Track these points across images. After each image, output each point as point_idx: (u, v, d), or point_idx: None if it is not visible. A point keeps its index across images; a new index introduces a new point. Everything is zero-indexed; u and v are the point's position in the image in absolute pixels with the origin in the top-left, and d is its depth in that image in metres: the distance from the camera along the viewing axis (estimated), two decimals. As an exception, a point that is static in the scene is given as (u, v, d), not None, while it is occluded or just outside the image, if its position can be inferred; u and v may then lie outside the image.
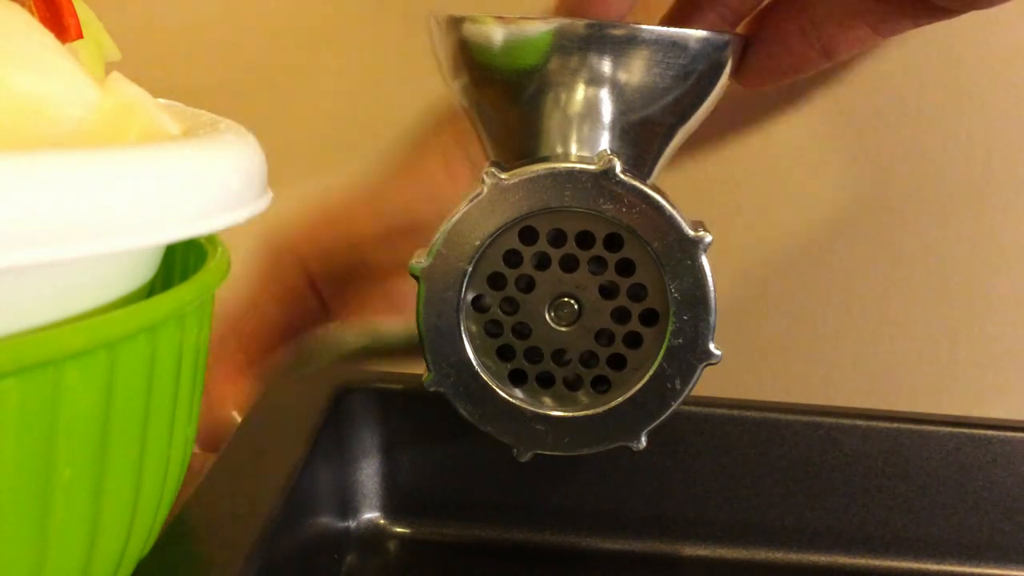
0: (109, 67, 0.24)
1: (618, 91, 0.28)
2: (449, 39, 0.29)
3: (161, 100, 0.23)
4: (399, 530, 0.34)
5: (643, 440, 0.29)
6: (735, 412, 0.34)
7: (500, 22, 0.28)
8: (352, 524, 0.34)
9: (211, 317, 0.23)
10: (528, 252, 0.29)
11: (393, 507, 0.34)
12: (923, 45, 0.43)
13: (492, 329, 0.29)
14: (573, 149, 0.29)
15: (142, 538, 0.21)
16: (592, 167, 0.28)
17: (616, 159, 0.28)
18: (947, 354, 0.46)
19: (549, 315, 0.29)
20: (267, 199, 0.21)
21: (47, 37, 0.20)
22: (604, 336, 0.29)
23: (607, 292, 0.29)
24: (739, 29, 0.32)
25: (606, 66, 0.28)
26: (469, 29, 0.28)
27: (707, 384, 0.30)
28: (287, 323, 0.39)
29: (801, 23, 0.30)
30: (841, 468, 0.34)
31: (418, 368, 0.30)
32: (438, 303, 0.29)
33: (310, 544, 0.30)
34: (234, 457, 0.29)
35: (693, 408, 0.34)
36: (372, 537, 0.34)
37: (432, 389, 0.29)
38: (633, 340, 0.29)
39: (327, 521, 0.32)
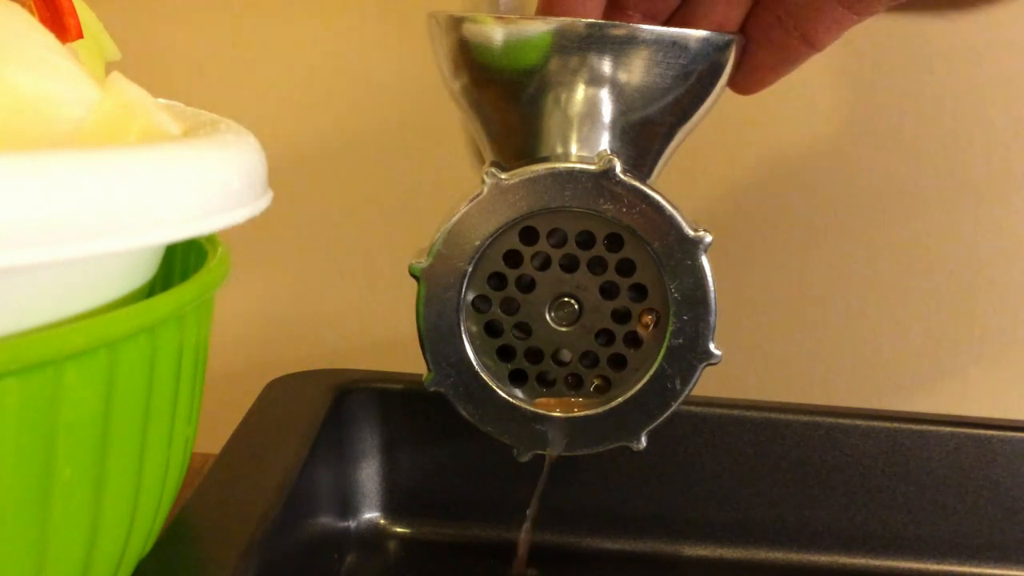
0: (109, 67, 0.24)
1: (618, 91, 0.28)
2: (449, 39, 0.29)
3: (161, 100, 0.23)
4: (399, 530, 0.34)
5: (643, 440, 0.29)
6: (735, 412, 0.34)
7: (500, 22, 0.28)
8: (352, 524, 0.34)
9: (211, 317, 0.23)
10: (528, 252, 0.29)
11: (393, 507, 0.34)
12: (922, 43, 0.43)
13: (492, 329, 0.29)
14: (573, 149, 0.29)
15: (142, 538, 0.21)
16: (592, 167, 0.28)
17: (616, 159, 0.28)
18: (947, 354, 0.46)
19: (549, 315, 0.29)
20: (267, 199, 0.21)
21: (47, 37, 0.20)
22: (604, 336, 0.29)
23: (607, 292, 0.29)
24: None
25: (606, 66, 0.28)
26: (469, 29, 0.28)
27: (707, 384, 0.30)
28: None
29: (777, 13, 0.30)
30: (841, 468, 0.34)
31: (419, 368, 0.30)
32: (438, 303, 0.29)
33: (310, 544, 0.30)
34: (234, 457, 0.29)
35: (693, 408, 0.34)
36: (372, 537, 0.34)
37: (432, 389, 0.29)
38: (633, 340, 0.29)
39: (327, 521, 0.32)
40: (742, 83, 0.31)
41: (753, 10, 0.30)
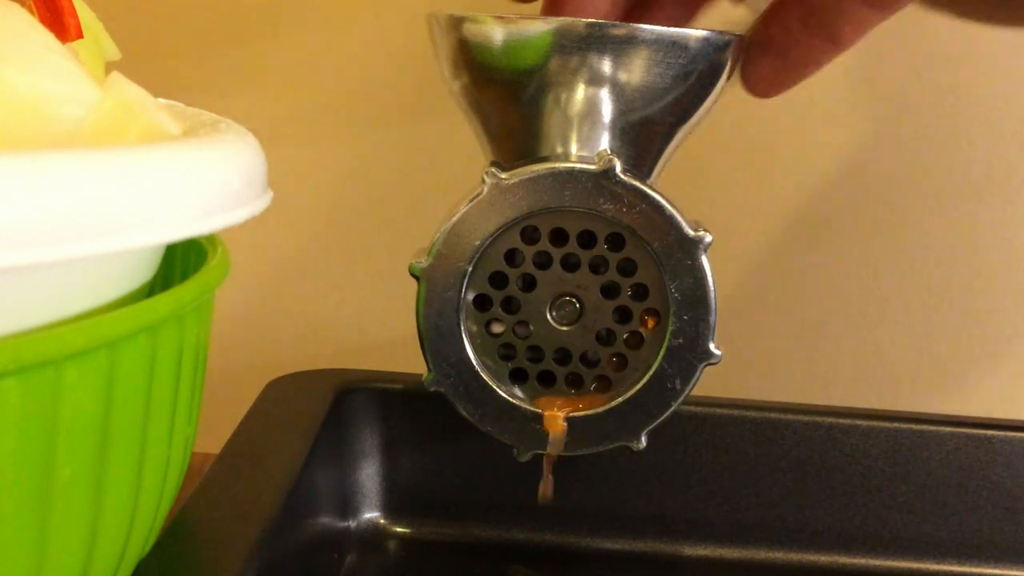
0: (109, 67, 0.24)
1: (618, 91, 0.28)
2: (449, 39, 0.29)
3: (161, 100, 0.23)
4: (399, 530, 0.34)
5: (643, 440, 0.29)
6: (735, 412, 0.34)
7: (500, 22, 0.28)
8: (352, 524, 0.34)
9: (211, 317, 0.23)
10: (529, 251, 0.29)
11: (393, 507, 0.34)
12: (922, 44, 0.43)
13: (492, 328, 0.29)
14: (573, 149, 0.29)
15: (142, 538, 0.21)
16: (592, 167, 0.28)
17: (616, 159, 0.28)
18: (947, 354, 0.46)
19: (550, 314, 0.29)
20: (267, 199, 0.21)
21: (47, 37, 0.20)
22: (605, 336, 0.29)
23: (608, 292, 0.29)
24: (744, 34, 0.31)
25: (606, 66, 0.28)
26: (469, 29, 0.28)
27: (707, 384, 0.30)
28: None
29: (800, 13, 0.29)
30: (841, 468, 0.34)
31: (419, 368, 0.30)
32: (438, 303, 0.29)
33: (310, 544, 0.30)
34: (234, 457, 0.29)
35: (693, 408, 0.34)
36: (372, 537, 0.34)
37: (432, 389, 0.29)
38: (634, 340, 0.29)
39: (327, 521, 0.32)
40: (764, 85, 0.30)
41: (775, 13, 0.30)
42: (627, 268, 0.29)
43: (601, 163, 0.28)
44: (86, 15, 0.23)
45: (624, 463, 0.34)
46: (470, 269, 0.28)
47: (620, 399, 0.29)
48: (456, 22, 0.29)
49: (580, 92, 0.28)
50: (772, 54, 0.30)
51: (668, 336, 0.29)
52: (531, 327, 0.29)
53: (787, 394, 0.44)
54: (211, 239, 0.23)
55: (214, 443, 0.30)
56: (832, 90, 0.44)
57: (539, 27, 0.28)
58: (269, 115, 0.44)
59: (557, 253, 0.29)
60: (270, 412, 0.32)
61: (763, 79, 0.30)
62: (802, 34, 0.29)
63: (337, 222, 0.46)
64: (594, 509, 0.34)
